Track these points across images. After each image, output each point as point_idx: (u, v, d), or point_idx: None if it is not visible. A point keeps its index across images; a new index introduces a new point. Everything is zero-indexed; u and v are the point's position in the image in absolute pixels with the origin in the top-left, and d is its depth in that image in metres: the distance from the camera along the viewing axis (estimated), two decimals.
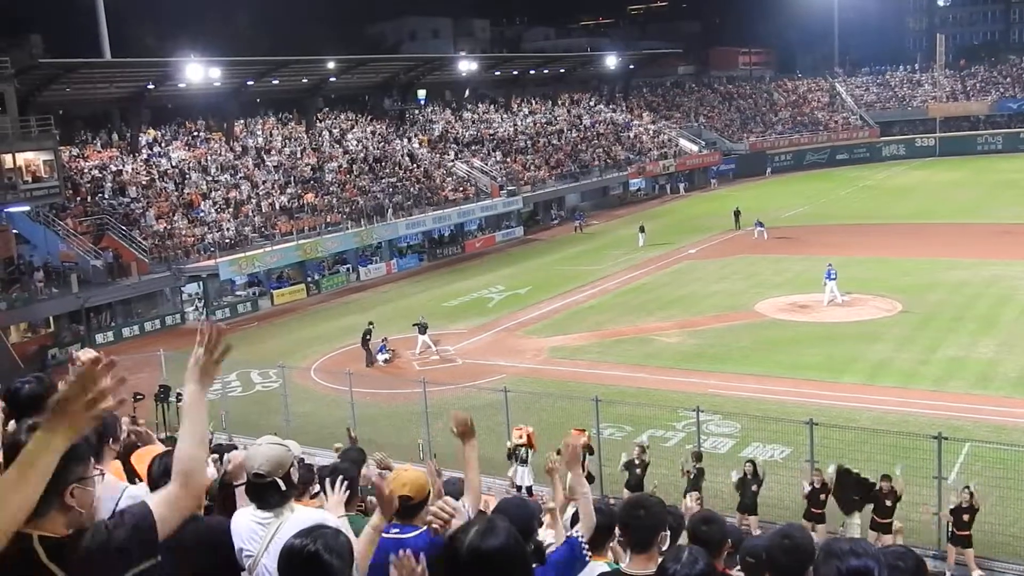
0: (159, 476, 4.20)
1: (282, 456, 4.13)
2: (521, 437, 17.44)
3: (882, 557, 3.03)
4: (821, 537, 15.04)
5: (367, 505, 6.59)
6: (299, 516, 4.11)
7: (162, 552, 3.09)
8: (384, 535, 4.46)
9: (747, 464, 16.82)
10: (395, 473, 4.76)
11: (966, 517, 14.64)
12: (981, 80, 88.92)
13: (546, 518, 5.59)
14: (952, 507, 14.85)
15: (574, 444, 4.96)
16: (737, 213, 52.87)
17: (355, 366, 27.95)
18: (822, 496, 15.78)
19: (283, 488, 4.10)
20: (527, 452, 17.79)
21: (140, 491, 4.29)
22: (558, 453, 7.48)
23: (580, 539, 4.50)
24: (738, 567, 5.25)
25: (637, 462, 17.29)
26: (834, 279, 33.62)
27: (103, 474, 4.35)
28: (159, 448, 5.41)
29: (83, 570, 2.69)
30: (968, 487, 14.85)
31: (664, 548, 4.37)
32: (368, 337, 30.93)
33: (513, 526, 2.98)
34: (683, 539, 5.34)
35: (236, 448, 12.26)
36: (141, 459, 5.06)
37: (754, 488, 16.31)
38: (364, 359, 30.31)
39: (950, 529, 14.92)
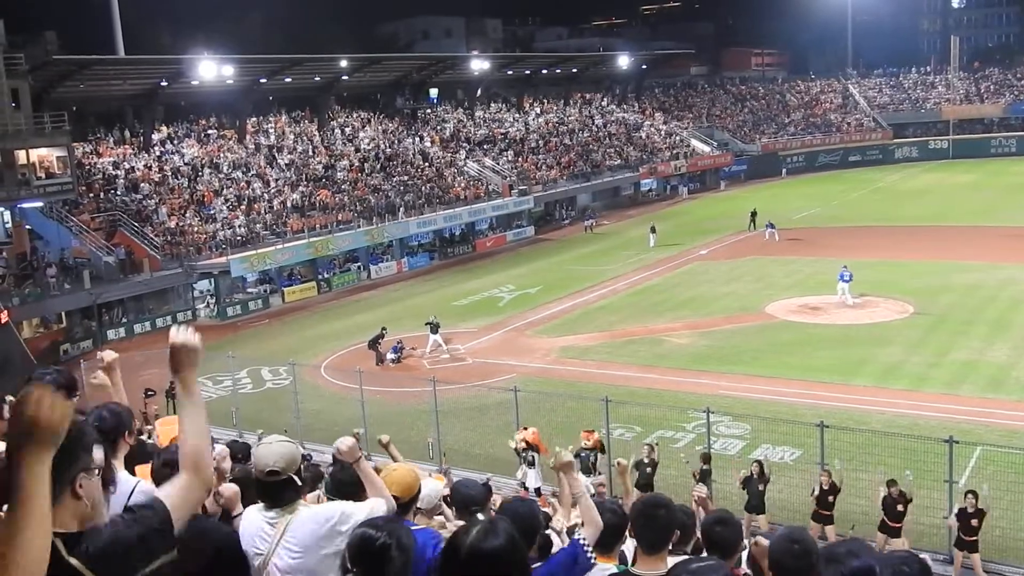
0: (159, 468, 4.18)
1: (293, 452, 4.15)
2: (523, 440, 17.42)
3: (875, 552, 3.01)
4: (831, 538, 15.03)
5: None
6: (310, 512, 4.12)
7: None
8: None
9: (754, 464, 16.79)
10: (384, 471, 4.75)
11: (974, 522, 14.52)
12: (995, 82, 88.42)
13: (556, 514, 5.60)
14: (956, 511, 14.76)
15: (560, 463, 5.25)
16: (754, 214, 52.80)
17: (365, 364, 28.00)
18: (830, 498, 15.75)
19: (298, 484, 4.12)
20: (534, 455, 17.77)
21: (151, 486, 4.29)
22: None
23: (584, 543, 4.48)
24: (746, 570, 5.24)
25: (647, 460, 17.28)
26: (848, 281, 33.52)
27: (115, 470, 4.36)
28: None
29: (105, 565, 2.66)
30: (972, 492, 14.76)
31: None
32: (379, 341, 30.97)
33: (515, 527, 2.99)
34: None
35: (249, 446, 12.30)
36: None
37: (760, 487, 16.28)
38: (374, 358, 30.37)
39: (956, 533, 14.84)
